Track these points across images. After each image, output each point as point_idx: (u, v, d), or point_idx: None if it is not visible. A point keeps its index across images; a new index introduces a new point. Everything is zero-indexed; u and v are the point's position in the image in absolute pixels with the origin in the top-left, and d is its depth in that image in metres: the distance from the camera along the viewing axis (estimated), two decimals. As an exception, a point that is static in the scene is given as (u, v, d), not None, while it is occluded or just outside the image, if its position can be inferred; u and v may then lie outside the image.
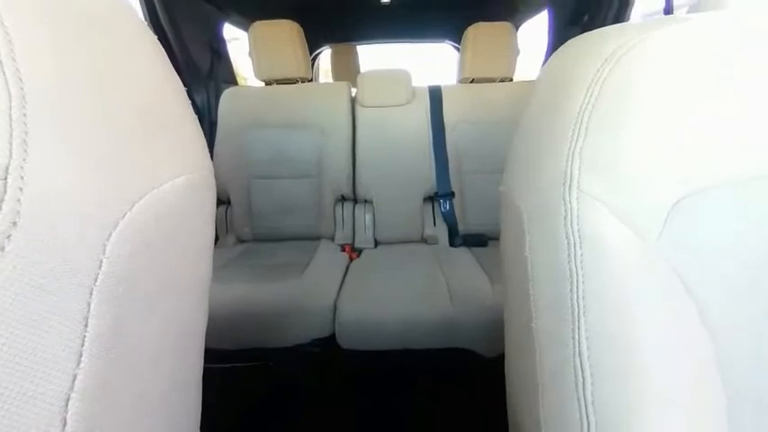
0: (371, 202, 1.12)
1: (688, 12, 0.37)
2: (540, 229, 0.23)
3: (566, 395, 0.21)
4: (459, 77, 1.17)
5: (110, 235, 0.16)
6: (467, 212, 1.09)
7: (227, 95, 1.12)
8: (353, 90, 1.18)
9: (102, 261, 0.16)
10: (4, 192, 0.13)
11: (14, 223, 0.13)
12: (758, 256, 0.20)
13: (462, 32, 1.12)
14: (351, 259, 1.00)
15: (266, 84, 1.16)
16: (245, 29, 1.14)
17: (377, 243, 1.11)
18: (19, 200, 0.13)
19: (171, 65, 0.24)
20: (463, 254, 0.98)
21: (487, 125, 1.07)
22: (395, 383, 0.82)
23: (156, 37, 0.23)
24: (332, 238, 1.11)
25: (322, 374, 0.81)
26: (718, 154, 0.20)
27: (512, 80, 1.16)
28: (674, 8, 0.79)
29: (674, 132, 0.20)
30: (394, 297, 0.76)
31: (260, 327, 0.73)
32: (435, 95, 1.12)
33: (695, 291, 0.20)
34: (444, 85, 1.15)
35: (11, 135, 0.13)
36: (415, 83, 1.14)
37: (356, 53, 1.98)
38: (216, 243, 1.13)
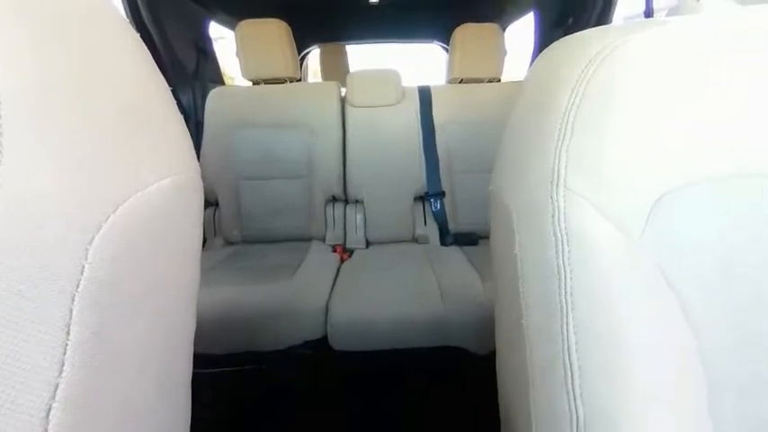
0: (362, 203, 1.12)
1: (667, 15, 0.38)
2: (528, 226, 0.23)
3: (555, 389, 0.22)
4: (448, 78, 1.18)
5: (92, 239, 0.16)
6: (457, 211, 1.10)
7: (214, 95, 1.10)
8: (343, 90, 1.17)
9: (84, 266, 0.15)
10: None
11: None
12: (739, 252, 0.21)
13: (450, 33, 1.13)
14: (342, 260, 1.00)
15: (254, 83, 1.15)
16: (232, 28, 1.13)
17: (368, 243, 1.11)
18: None
19: (154, 63, 0.23)
20: (454, 253, 0.99)
21: (477, 125, 1.08)
22: (388, 383, 0.82)
23: (138, 35, 0.22)
24: (323, 239, 1.10)
25: (314, 376, 0.81)
26: (698, 154, 0.20)
27: (500, 80, 1.18)
28: (654, 11, 0.82)
29: (655, 133, 0.20)
30: (386, 297, 0.76)
31: (251, 330, 0.72)
32: (425, 96, 1.12)
33: (678, 286, 0.21)
34: (434, 85, 1.16)
35: None
36: (402, 83, 1.14)
37: (345, 53, 1.97)
38: (204, 246, 1.11)
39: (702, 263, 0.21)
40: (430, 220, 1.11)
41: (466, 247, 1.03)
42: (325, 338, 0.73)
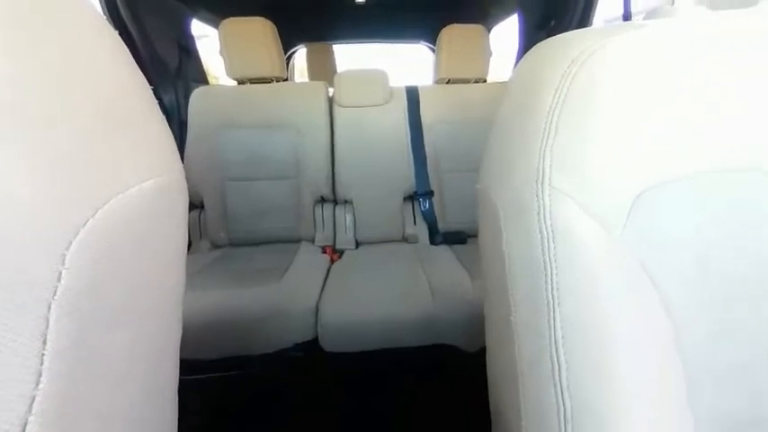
0: (351, 203, 1.11)
1: (645, 18, 0.39)
2: (515, 224, 0.24)
3: (543, 383, 0.22)
4: (435, 78, 1.19)
5: (69, 244, 0.15)
6: (446, 211, 1.11)
7: (198, 95, 1.08)
8: (331, 90, 1.17)
9: (61, 272, 0.15)
10: None
11: None
12: (715, 247, 0.22)
13: (437, 34, 1.14)
14: (332, 261, 0.99)
15: (239, 83, 1.13)
16: (215, 26, 1.10)
17: (358, 244, 1.11)
18: None
19: (134, 61, 0.22)
20: (443, 251, 1.00)
21: (464, 125, 1.10)
22: (380, 383, 0.82)
23: (117, 33, 0.22)
24: (312, 240, 1.10)
25: (306, 378, 0.80)
26: (675, 152, 0.21)
27: (485, 81, 1.19)
28: (632, 14, 0.85)
29: (633, 133, 0.21)
30: (376, 297, 0.76)
31: (240, 334, 0.71)
32: (412, 96, 1.13)
33: (658, 281, 0.22)
34: (421, 85, 1.16)
35: None
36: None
37: (332, 52, 1.96)
38: (189, 249, 1.08)
39: (681, 259, 0.22)
40: (419, 219, 1.12)
41: (455, 246, 1.04)
42: (315, 340, 0.73)
